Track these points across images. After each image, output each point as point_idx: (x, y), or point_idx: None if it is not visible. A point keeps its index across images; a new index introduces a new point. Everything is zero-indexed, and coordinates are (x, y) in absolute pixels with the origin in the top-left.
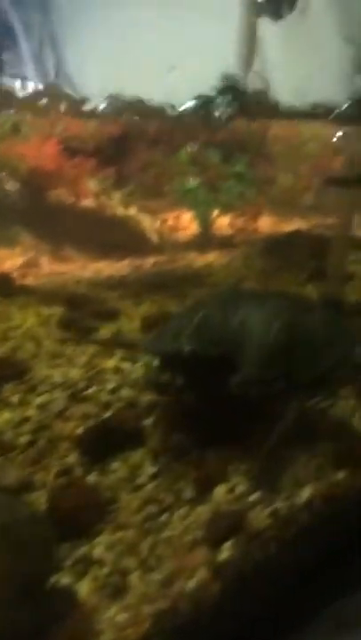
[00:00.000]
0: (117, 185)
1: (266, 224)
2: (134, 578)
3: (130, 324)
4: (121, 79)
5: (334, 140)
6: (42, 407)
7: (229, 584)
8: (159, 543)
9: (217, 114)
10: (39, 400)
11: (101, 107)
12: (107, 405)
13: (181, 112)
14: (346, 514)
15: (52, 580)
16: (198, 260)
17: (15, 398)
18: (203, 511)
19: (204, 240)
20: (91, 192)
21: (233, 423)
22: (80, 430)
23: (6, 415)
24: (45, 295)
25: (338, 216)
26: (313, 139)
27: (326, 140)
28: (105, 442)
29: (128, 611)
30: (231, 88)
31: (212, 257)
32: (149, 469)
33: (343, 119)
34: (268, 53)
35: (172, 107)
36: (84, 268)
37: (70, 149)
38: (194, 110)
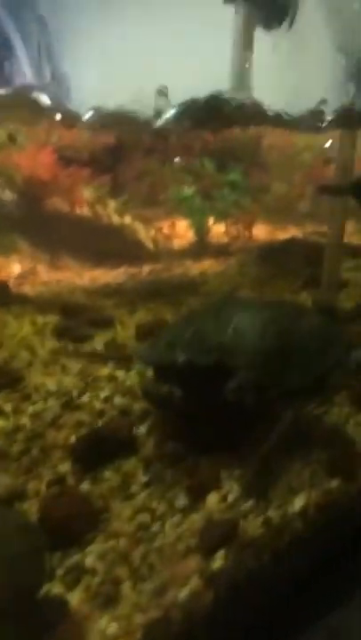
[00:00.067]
0: (112, 193)
1: (261, 232)
2: (126, 587)
3: (124, 332)
4: (112, 90)
5: (326, 146)
6: (35, 416)
7: (222, 593)
8: (151, 552)
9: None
10: (33, 408)
11: (86, 117)
12: (100, 413)
13: (164, 122)
14: (340, 522)
15: (44, 589)
16: (194, 267)
17: (9, 407)
18: (196, 519)
19: (200, 248)
20: (86, 201)
21: (228, 430)
22: (73, 439)
23: (0, 424)
24: (41, 303)
25: (330, 224)
26: (307, 147)
27: (320, 149)
28: (97, 450)
29: (120, 620)
30: (211, 105)
31: (207, 265)
32: (142, 477)
33: (335, 127)
34: (262, 63)
35: (157, 117)
36: (80, 277)
37: (65, 158)
38: (175, 120)
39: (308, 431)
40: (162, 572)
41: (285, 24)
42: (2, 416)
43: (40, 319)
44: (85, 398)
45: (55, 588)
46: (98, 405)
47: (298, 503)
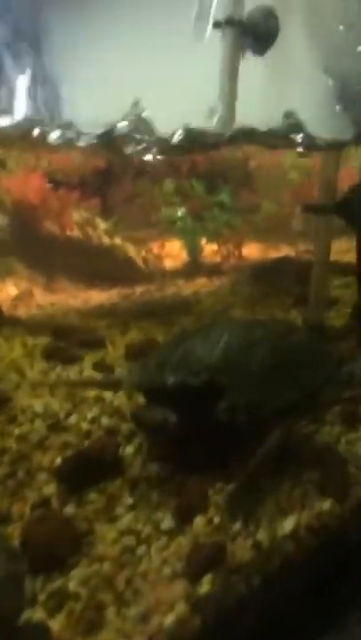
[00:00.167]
0: (103, 215)
1: (254, 251)
2: (110, 613)
3: (115, 353)
4: (106, 115)
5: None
6: (21, 438)
7: (209, 619)
8: (136, 576)
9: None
10: (19, 431)
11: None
12: (87, 434)
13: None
14: (332, 545)
15: (25, 615)
16: (187, 287)
17: None
18: (182, 542)
19: (193, 268)
20: (78, 223)
21: (217, 450)
22: (59, 460)
23: None
24: (33, 325)
25: (316, 242)
26: (293, 166)
27: (308, 168)
28: (83, 472)
29: None
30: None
31: (200, 284)
32: (128, 499)
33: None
34: (249, 87)
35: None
36: (74, 298)
37: (55, 182)
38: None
39: (298, 450)
40: (147, 597)
41: (271, 48)
42: None
43: (31, 341)
44: (72, 419)
45: (37, 614)
46: (85, 426)
47: (288, 525)
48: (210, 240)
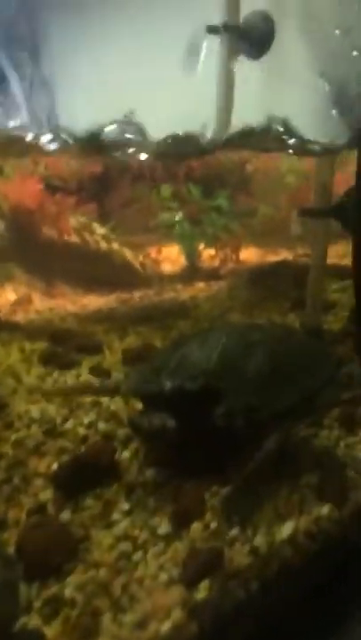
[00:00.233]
0: (101, 220)
1: (252, 255)
2: (106, 619)
3: (113, 358)
4: (104, 119)
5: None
6: (18, 443)
7: (207, 626)
8: (132, 582)
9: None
10: (15, 436)
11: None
12: (83, 439)
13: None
14: (331, 549)
15: (20, 622)
16: (185, 292)
17: None
18: (179, 548)
19: (191, 272)
20: (76, 228)
21: (215, 455)
22: (55, 466)
23: None
24: (31, 331)
25: (313, 246)
26: (290, 170)
27: (305, 172)
28: (79, 477)
29: None
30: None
31: (198, 289)
32: (124, 504)
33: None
34: (245, 92)
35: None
36: (73, 303)
37: (52, 187)
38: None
39: (296, 454)
40: (143, 603)
41: (267, 53)
42: None
43: (29, 346)
44: (69, 425)
45: (32, 621)
46: (81, 431)
47: (286, 530)
48: (208, 244)
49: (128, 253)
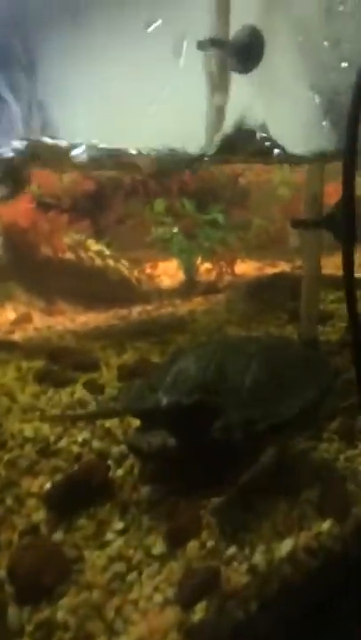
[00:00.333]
0: (96, 237)
1: (249, 268)
2: None
3: (109, 374)
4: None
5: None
6: (11, 463)
7: None
8: (127, 604)
9: None
10: (8, 456)
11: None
12: (77, 458)
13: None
14: (332, 567)
15: None
16: (183, 306)
17: None
18: (174, 568)
19: (189, 287)
20: (72, 246)
21: (213, 470)
22: (48, 486)
23: None
24: (29, 349)
25: (306, 257)
26: (282, 182)
27: (298, 184)
28: (72, 497)
29: None
30: None
31: (196, 303)
32: (118, 524)
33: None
34: (236, 106)
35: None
36: (72, 321)
37: (45, 205)
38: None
39: (295, 468)
40: (138, 626)
41: (258, 67)
42: None
43: (25, 365)
44: (63, 443)
45: None
46: (75, 449)
47: (285, 548)
48: (205, 258)
49: (124, 269)
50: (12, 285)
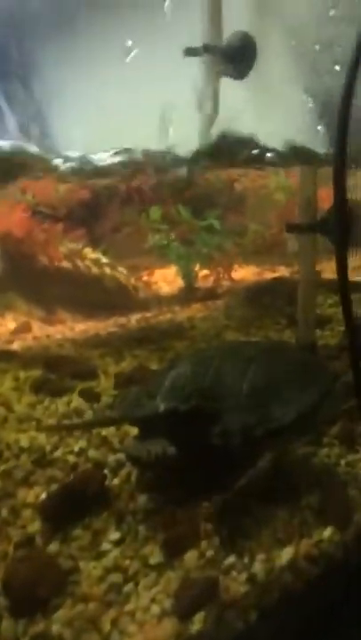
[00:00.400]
0: (92, 245)
1: (249, 273)
2: None
3: (107, 382)
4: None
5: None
6: (6, 474)
7: None
8: (123, 616)
9: None
10: (4, 467)
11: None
12: (74, 467)
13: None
14: (334, 575)
15: None
16: (182, 313)
17: None
18: (171, 578)
19: (188, 293)
20: (69, 254)
21: (211, 477)
22: (44, 496)
23: None
24: (28, 359)
25: (301, 262)
26: (278, 188)
27: (293, 189)
28: (68, 507)
29: None
30: None
31: (195, 309)
32: (114, 534)
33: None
34: (230, 109)
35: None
36: (71, 330)
37: (40, 214)
38: None
39: (295, 474)
40: (134, 638)
41: (251, 71)
42: None
43: (23, 374)
44: (59, 453)
45: None
46: (71, 459)
47: (285, 556)
48: (203, 265)
49: (122, 277)
50: (11, 295)
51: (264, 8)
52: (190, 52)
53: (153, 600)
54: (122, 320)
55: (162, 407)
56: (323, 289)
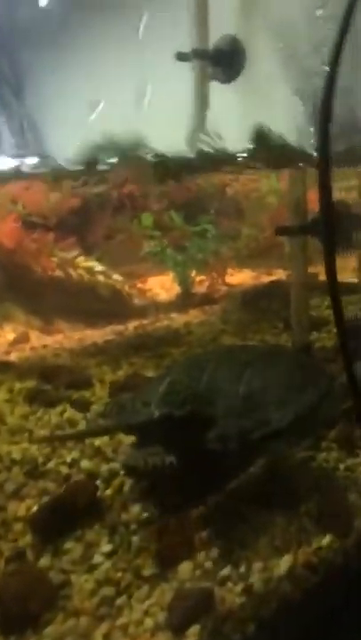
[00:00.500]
0: (85, 253)
1: (246, 277)
2: None
3: (102, 391)
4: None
5: None
6: None
7: None
8: (115, 630)
9: None
10: None
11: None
12: (66, 479)
13: None
14: (334, 583)
15: None
16: (179, 319)
17: None
18: (165, 590)
19: (185, 299)
20: (61, 264)
21: (206, 484)
22: (35, 509)
23: None
24: (24, 370)
25: (292, 264)
26: (270, 191)
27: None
28: (58, 520)
29: None
30: None
31: (192, 315)
32: (106, 546)
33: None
34: (220, 113)
35: None
36: (69, 339)
37: (30, 224)
38: None
39: (293, 479)
40: None
41: (240, 75)
42: None
43: (18, 386)
44: (51, 464)
45: None
46: (64, 470)
47: (283, 565)
48: (199, 270)
49: (117, 284)
50: (9, 306)
51: (251, 10)
52: (181, 56)
53: (146, 613)
54: (119, 328)
55: (156, 413)
56: (319, 291)
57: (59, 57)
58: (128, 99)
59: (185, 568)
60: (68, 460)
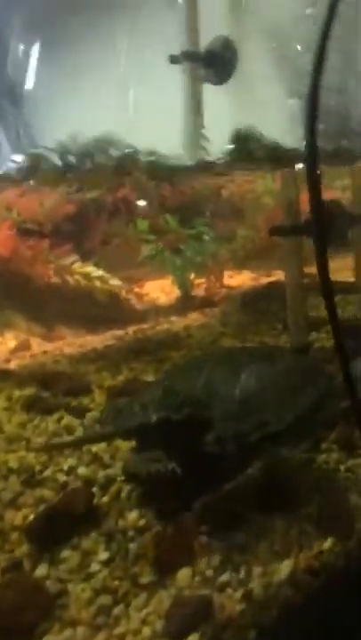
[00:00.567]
0: (83, 259)
1: (246, 278)
2: None
3: (101, 397)
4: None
5: None
6: None
7: None
8: None
9: None
10: None
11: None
12: (63, 486)
13: None
14: (335, 587)
15: None
16: (179, 322)
17: None
18: (163, 598)
19: (184, 302)
20: (58, 270)
21: (205, 488)
22: (32, 518)
23: None
24: (23, 377)
25: (287, 265)
26: (266, 191)
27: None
28: (55, 528)
29: None
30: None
31: (192, 318)
32: (103, 554)
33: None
34: (213, 115)
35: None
36: (69, 345)
37: (25, 231)
38: None
39: (293, 481)
40: None
41: (233, 76)
42: None
43: (17, 393)
44: (48, 472)
45: None
46: (61, 478)
47: (284, 570)
48: (198, 273)
49: (116, 289)
50: (9, 314)
51: (242, 12)
52: (174, 59)
53: (144, 622)
54: (119, 333)
55: (154, 417)
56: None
57: (49, 60)
58: (119, 102)
59: (184, 575)
60: (66, 467)
